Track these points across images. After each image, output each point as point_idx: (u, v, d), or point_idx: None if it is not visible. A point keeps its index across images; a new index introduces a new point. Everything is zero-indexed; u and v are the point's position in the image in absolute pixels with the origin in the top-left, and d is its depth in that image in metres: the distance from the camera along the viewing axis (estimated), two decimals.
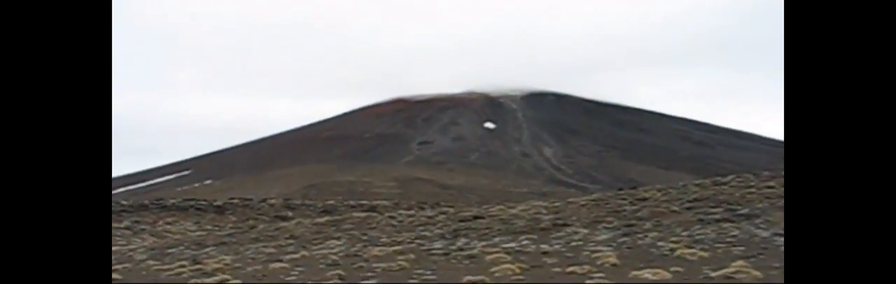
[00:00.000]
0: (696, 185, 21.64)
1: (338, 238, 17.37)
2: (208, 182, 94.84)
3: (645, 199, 19.38)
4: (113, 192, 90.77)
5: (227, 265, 13.64)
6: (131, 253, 18.62)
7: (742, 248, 11.52)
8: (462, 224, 17.90)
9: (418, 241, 15.51)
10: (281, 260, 13.61)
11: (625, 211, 17.23)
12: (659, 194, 20.30)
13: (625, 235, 13.92)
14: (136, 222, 32.26)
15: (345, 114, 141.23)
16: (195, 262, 14.42)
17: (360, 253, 14.11)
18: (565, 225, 15.97)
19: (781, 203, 15.23)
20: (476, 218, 18.86)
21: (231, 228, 28.89)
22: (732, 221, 14.47)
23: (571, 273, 10.20)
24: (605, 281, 9.28)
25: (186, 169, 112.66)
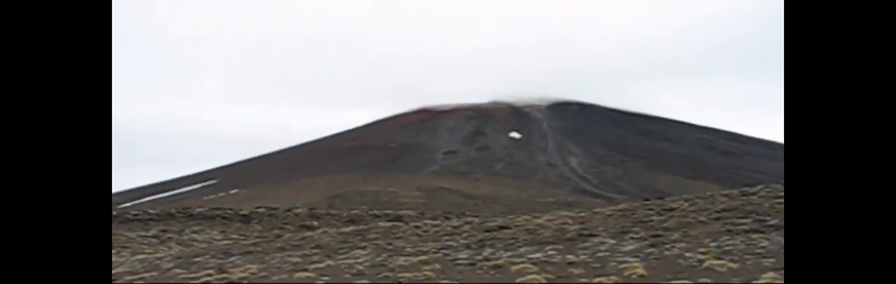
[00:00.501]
0: (724, 195, 21.37)
1: (363, 248, 17.36)
2: (234, 191, 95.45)
3: (672, 209, 19.18)
4: (140, 201, 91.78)
5: (252, 274, 13.69)
6: (158, 262, 18.74)
7: (772, 260, 11.35)
8: (487, 234, 17.82)
9: (444, 251, 15.46)
10: (306, 270, 13.63)
11: (652, 221, 17.07)
12: (686, 204, 20.09)
13: (652, 246, 13.78)
14: (163, 231, 32.55)
15: (369, 124, 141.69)
16: (221, 271, 14.49)
17: (385, 263, 14.10)
18: (592, 235, 15.84)
19: None
20: (502, 228, 18.78)
21: (257, 237, 29.01)
22: (762, 232, 14.26)
23: (598, 283, 10.11)
24: None
25: (213, 179, 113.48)
